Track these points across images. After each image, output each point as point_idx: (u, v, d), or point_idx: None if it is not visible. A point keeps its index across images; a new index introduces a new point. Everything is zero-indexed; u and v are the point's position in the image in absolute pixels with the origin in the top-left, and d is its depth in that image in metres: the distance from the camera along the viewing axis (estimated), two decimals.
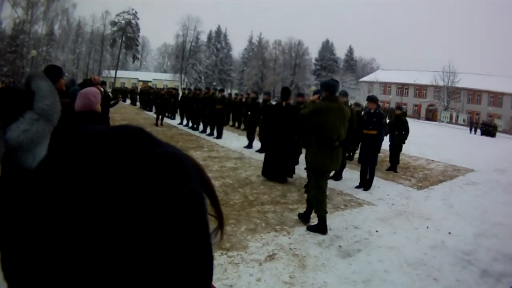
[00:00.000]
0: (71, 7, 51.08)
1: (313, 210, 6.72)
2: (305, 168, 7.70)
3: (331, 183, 9.87)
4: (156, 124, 21.38)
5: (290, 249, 5.68)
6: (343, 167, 10.88)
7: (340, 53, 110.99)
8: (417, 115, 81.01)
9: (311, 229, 6.52)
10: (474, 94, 78.21)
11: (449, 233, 6.99)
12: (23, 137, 1.43)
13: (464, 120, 70.05)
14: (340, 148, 6.76)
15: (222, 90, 20.29)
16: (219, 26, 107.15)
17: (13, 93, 1.60)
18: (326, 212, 6.58)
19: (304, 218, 6.96)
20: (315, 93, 8.63)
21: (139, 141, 0.56)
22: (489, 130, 47.70)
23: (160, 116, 22.53)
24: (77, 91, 7.03)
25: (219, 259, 5.21)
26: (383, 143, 10.51)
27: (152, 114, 24.68)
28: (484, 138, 41.47)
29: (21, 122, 1.46)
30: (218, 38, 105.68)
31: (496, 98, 76.35)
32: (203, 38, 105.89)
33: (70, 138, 0.57)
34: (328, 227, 6.62)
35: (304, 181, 9.87)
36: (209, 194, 0.66)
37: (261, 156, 12.73)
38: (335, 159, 6.60)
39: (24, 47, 46.84)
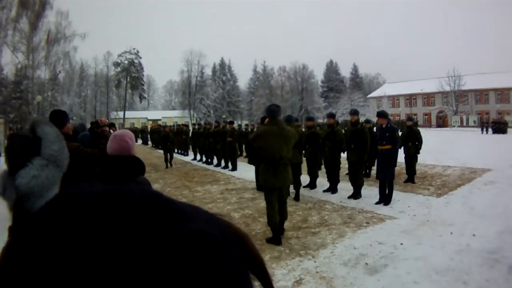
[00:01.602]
0: (72, 50, 51.17)
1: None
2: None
3: (351, 203, 10.15)
4: (166, 166, 20.97)
5: (317, 272, 5.66)
6: (336, 181, 11.71)
7: (345, 72, 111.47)
8: (428, 124, 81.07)
9: (268, 241, 7.18)
10: (482, 94, 78.16)
11: (473, 235, 6.97)
12: (33, 183, 1.47)
13: (474, 122, 69.97)
14: (286, 166, 7.26)
15: (231, 123, 20.36)
16: (222, 59, 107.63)
17: (20, 140, 1.64)
18: (277, 225, 7.19)
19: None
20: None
21: (162, 214, 0.54)
22: (500, 127, 47.80)
23: (169, 156, 21.46)
24: (87, 136, 7.11)
25: None
26: (398, 155, 10.50)
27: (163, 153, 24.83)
28: (496, 136, 41.60)
29: (30, 168, 1.49)
30: (223, 70, 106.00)
31: (503, 94, 76.43)
32: (208, 71, 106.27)
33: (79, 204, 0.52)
34: (352, 246, 6.69)
35: (320, 202, 9.91)
36: (256, 270, 0.61)
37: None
38: (280, 176, 7.14)
39: (29, 92, 46.96)
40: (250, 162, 11.86)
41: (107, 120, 9.01)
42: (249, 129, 24.24)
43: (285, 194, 7.61)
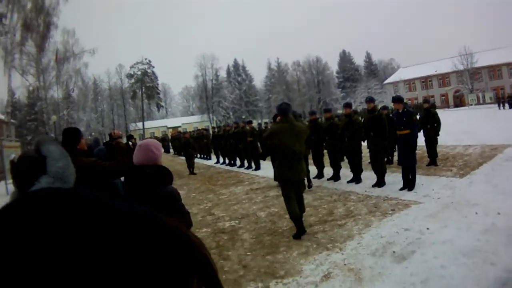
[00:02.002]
0: (83, 67, 51.10)
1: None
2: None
3: (375, 191, 10.25)
4: (190, 172, 20.83)
5: (345, 264, 5.69)
6: (359, 171, 11.89)
7: (359, 60, 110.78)
8: (445, 104, 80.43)
9: (295, 237, 7.42)
10: (495, 70, 77.25)
11: (498, 213, 6.93)
12: None
13: (491, 98, 69.27)
14: (300, 160, 7.53)
15: (250, 122, 20.37)
16: (235, 59, 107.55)
17: (25, 161, 1.69)
18: (298, 216, 7.51)
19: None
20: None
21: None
22: None
23: (191, 162, 21.17)
24: (103, 151, 7.21)
25: None
26: (418, 139, 10.49)
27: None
28: None
29: (38, 187, 1.55)
30: (237, 71, 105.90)
31: None
32: (222, 74, 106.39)
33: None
34: (379, 235, 6.74)
35: (345, 193, 10.03)
36: (203, 273, 0.70)
37: None
38: (295, 170, 7.44)
39: (44, 113, 47.01)
40: (261, 157, 11.96)
41: (120, 132, 9.11)
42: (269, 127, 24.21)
43: (301, 187, 7.91)
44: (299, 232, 7.48)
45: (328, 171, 13.41)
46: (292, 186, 7.61)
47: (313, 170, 13.49)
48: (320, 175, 13.60)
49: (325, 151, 13.39)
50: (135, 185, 3.57)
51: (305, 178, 8.91)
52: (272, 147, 7.71)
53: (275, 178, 8.41)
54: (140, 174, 3.58)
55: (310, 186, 12.05)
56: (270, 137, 7.60)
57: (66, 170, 1.66)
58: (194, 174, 20.32)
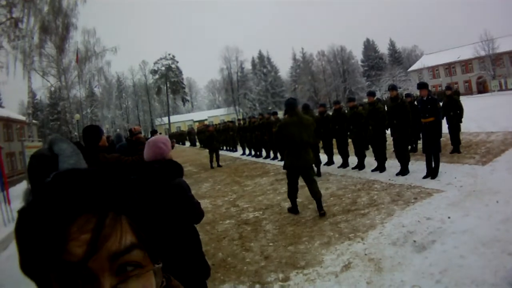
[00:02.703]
0: (105, 65, 51.09)
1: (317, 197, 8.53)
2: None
3: (399, 179, 10.35)
4: (212, 166, 20.30)
5: (365, 254, 5.74)
6: (383, 159, 12.00)
7: (383, 48, 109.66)
8: (469, 91, 79.17)
9: (289, 210, 9.06)
10: None
11: None
12: None
13: None
14: (307, 149, 8.40)
15: (275, 113, 20.30)
16: (260, 51, 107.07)
17: (38, 159, 1.75)
18: (294, 198, 8.92)
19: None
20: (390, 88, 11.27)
21: None
22: None
23: (215, 155, 20.63)
24: (124, 146, 7.33)
25: (295, 278, 5.36)
26: (442, 127, 10.39)
27: None
28: None
29: None
30: (262, 63, 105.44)
31: None
32: (248, 66, 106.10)
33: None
34: (401, 224, 6.78)
35: (369, 182, 10.02)
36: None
37: (328, 169, 13.07)
38: (302, 158, 8.32)
39: (67, 112, 47.11)
40: (277, 149, 14.66)
41: (140, 127, 9.24)
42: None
43: (311, 174, 8.63)
44: (293, 210, 8.96)
45: (353, 160, 13.41)
46: (297, 173, 8.58)
47: (323, 158, 13.95)
48: (345, 164, 13.67)
49: (349, 140, 13.41)
50: (146, 180, 3.67)
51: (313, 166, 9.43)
52: (282, 138, 8.51)
53: (284, 167, 8.93)
54: (149, 169, 3.72)
55: (319, 174, 12.78)
56: (281, 130, 8.53)
57: (78, 167, 1.72)
58: (220, 166, 20.32)
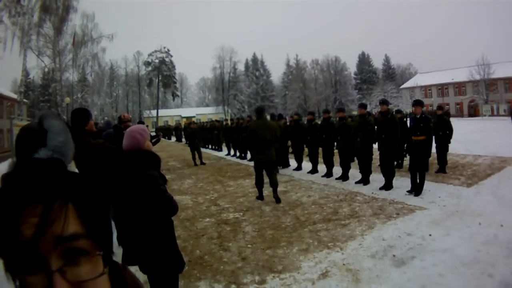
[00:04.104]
0: (100, 51, 50.79)
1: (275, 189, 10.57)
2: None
3: (382, 194, 10.38)
4: (195, 163, 20.31)
5: (343, 264, 5.70)
6: (368, 172, 12.07)
7: (377, 63, 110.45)
8: (460, 113, 79.88)
9: (257, 198, 10.90)
10: (511, 82, 76.25)
11: (501, 225, 6.92)
12: None
13: (504, 111, 68.33)
14: (270, 147, 10.40)
15: (281, 117, 20.34)
16: (254, 54, 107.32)
17: (27, 132, 1.73)
18: (260, 187, 10.80)
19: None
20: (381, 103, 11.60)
21: None
22: None
23: (196, 153, 20.74)
24: (110, 134, 7.26)
25: (271, 282, 5.31)
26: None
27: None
28: None
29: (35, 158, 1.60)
30: (256, 66, 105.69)
31: None
32: (240, 67, 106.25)
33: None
34: (381, 238, 6.76)
35: (352, 193, 10.07)
36: None
37: (311, 177, 13.10)
38: (265, 154, 10.36)
39: (57, 95, 46.81)
40: (247, 146, 17.95)
41: (130, 116, 9.15)
42: (282, 123, 24.05)
43: (272, 168, 10.67)
44: (259, 197, 10.86)
45: (337, 170, 13.41)
46: (261, 165, 10.55)
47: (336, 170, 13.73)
48: (329, 173, 13.61)
49: (335, 150, 13.41)
50: (121, 168, 3.75)
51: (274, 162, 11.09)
52: (250, 137, 10.60)
53: (251, 159, 12.21)
54: (124, 158, 3.76)
55: (284, 166, 16.56)
56: (251, 130, 10.67)
57: (66, 145, 1.70)
58: (204, 164, 20.18)
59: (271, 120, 15.07)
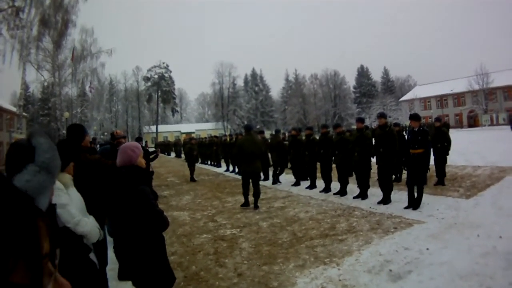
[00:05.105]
0: (99, 66, 51.12)
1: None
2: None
3: (380, 208, 10.36)
4: (192, 179, 20.34)
5: (339, 280, 5.63)
6: (366, 187, 12.06)
7: (376, 76, 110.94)
8: (459, 124, 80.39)
9: (242, 205, 12.12)
10: (510, 91, 76.77)
11: (500, 237, 6.87)
12: (26, 186, 1.58)
13: (504, 119, 68.77)
14: (256, 160, 11.76)
15: (261, 132, 20.35)
16: (253, 69, 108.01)
17: (16, 148, 1.80)
18: (247, 196, 12.04)
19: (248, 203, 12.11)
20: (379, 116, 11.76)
21: None
22: None
23: (191, 169, 20.86)
24: (107, 149, 7.29)
25: None
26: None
27: (197, 165, 24.72)
28: None
29: (24, 173, 1.63)
30: (255, 81, 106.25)
31: None
32: (240, 82, 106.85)
33: None
34: (378, 253, 6.71)
35: (350, 208, 10.10)
36: None
37: (310, 193, 13.08)
38: (251, 166, 11.71)
39: (57, 109, 47.01)
40: (233, 162, 20.42)
41: (123, 132, 9.17)
42: (281, 138, 24.05)
43: (257, 178, 12.06)
44: (245, 204, 12.02)
45: (335, 185, 13.37)
46: (248, 176, 11.90)
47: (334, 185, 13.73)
48: (327, 189, 13.54)
49: (333, 165, 13.37)
50: (114, 183, 3.82)
51: (260, 173, 13.12)
52: (238, 151, 11.93)
53: (239, 173, 14.63)
54: (118, 173, 3.85)
55: (264, 179, 17.87)
56: (239, 145, 12.13)
57: (52, 162, 1.75)
58: (194, 180, 20.20)
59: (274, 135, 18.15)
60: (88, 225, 3.87)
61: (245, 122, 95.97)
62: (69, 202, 3.80)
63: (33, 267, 0.86)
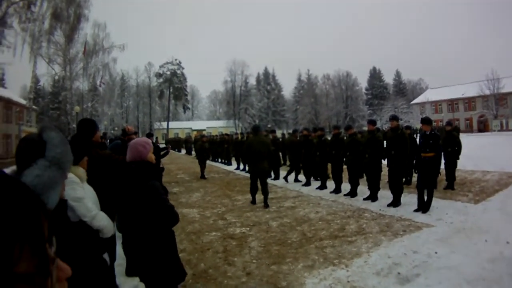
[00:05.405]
0: (111, 61, 50.90)
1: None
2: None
3: (390, 210, 10.35)
4: (202, 177, 20.44)
5: (348, 281, 5.66)
6: (376, 189, 12.04)
7: (388, 78, 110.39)
8: (469, 129, 79.81)
9: (251, 202, 12.49)
10: None
11: (507, 242, 6.89)
12: (36, 181, 1.58)
13: None
14: (263, 160, 11.99)
15: (273, 131, 20.35)
16: (266, 68, 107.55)
17: (27, 143, 1.80)
18: (254, 194, 12.44)
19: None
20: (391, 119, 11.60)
21: None
22: None
23: (202, 166, 20.92)
24: (118, 144, 7.31)
25: None
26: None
27: (208, 162, 24.69)
28: None
29: (34, 168, 1.62)
30: (267, 80, 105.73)
31: None
32: (252, 81, 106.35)
33: None
34: (387, 255, 6.72)
35: (360, 210, 10.04)
36: None
37: (320, 193, 13.06)
38: (259, 166, 11.97)
39: (67, 103, 46.89)
40: (243, 161, 19.87)
41: (134, 129, 9.18)
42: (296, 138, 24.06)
43: (265, 177, 12.20)
44: (252, 202, 12.43)
45: (346, 186, 13.41)
46: (255, 175, 12.17)
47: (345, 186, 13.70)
48: (337, 190, 13.58)
49: (344, 166, 13.38)
50: (125, 179, 3.86)
51: (270, 172, 15.14)
52: (247, 151, 12.23)
53: (248, 171, 14.43)
54: (128, 169, 3.88)
55: (275, 178, 18.26)
56: (247, 145, 12.41)
57: (64, 157, 1.74)
58: (205, 178, 20.25)
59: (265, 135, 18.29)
60: (104, 219, 3.93)
61: (257, 121, 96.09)
62: (85, 196, 3.85)
63: (39, 253, 0.88)
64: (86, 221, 3.78)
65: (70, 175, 3.74)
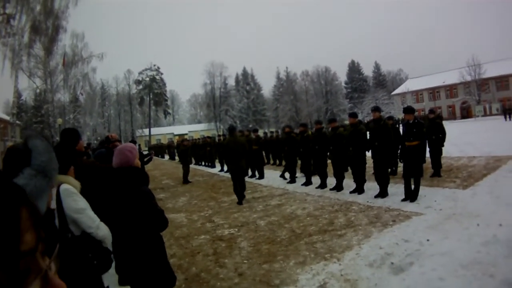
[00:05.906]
0: (91, 71, 51.00)
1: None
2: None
3: (377, 202, 10.29)
4: (185, 181, 20.21)
5: (341, 275, 5.60)
6: (362, 181, 11.99)
7: (367, 70, 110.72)
8: (452, 116, 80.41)
9: (238, 203, 12.42)
10: (502, 81, 76.92)
11: (500, 225, 6.83)
12: None
13: (497, 110, 68.99)
14: (241, 159, 12.55)
15: (255, 130, 20.35)
16: (244, 68, 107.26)
17: (13, 152, 1.76)
18: (237, 192, 12.61)
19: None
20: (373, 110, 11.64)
21: None
22: None
23: (185, 170, 20.71)
24: (103, 153, 7.26)
25: None
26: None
27: (192, 166, 24.60)
28: None
29: (20, 177, 1.58)
30: (246, 80, 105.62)
31: None
32: (231, 82, 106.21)
33: None
34: (378, 246, 6.67)
35: (347, 203, 10.08)
36: None
37: (305, 189, 13.04)
38: (236, 164, 12.55)
39: (50, 116, 47.01)
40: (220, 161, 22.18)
41: (117, 136, 9.11)
42: (274, 136, 24.08)
43: (242, 175, 12.86)
44: (239, 202, 12.41)
45: (331, 181, 13.40)
46: (235, 174, 12.59)
47: (330, 181, 13.62)
48: (323, 185, 13.53)
49: (329, 161, 13.34)
50: (113, 185, 3.80)
51: (247, 171, 15.62)
52: (224, 151, 13.07)
53: (227, 171, 15.59)
54: (115, 175, 3.82)
55: (259, 177, 18.24)
56: (225, 145, 13.24)
57: (49, 165, 1.70)
58: (188, 182, 20.12)
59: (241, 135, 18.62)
60: (105, 228, 3.82)
61: (237, 122, 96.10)
62: (87, 206, 3.77)
63: (7, 267, 0.78)
64: (91, 232, 3.67)
65: (68, 186, 3.70)
